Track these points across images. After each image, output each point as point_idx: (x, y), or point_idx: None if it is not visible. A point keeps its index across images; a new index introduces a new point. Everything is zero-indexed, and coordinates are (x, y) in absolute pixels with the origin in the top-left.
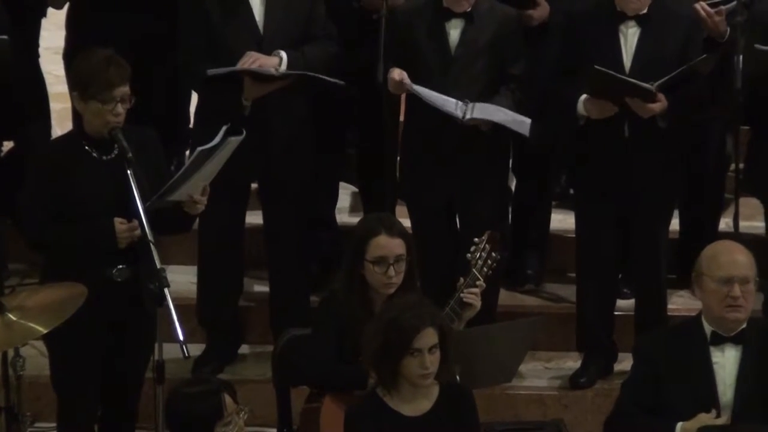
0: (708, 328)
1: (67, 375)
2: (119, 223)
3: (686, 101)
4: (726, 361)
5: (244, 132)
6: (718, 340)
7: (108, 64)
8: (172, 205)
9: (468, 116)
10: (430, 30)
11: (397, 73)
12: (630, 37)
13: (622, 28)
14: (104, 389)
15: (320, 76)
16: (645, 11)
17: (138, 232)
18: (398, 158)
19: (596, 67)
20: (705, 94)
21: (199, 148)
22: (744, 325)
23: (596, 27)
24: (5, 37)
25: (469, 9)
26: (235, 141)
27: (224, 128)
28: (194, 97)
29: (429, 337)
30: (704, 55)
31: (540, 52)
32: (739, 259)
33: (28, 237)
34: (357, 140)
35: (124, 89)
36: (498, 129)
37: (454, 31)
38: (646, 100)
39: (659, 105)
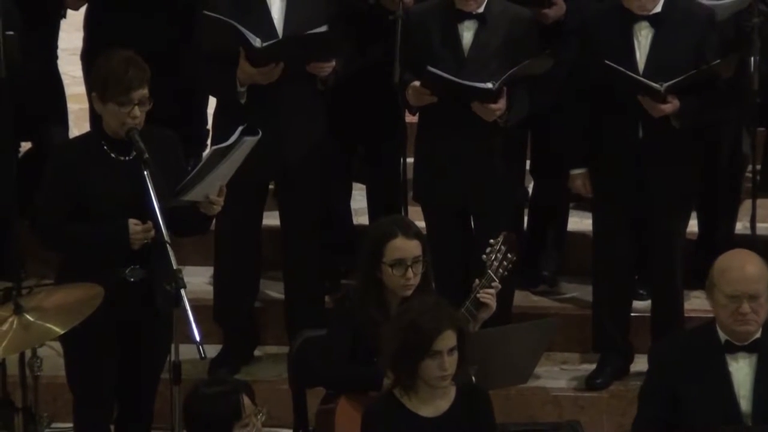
0: (722, 336)
1: (82, 375)
2: (134, 224)
3: (705, 103)
4: (739, 371)
5: (260, 132)
6: (732, 348)
7: (127, 67)
8: (188, 204)
9: (496, 85)
10: (443, 31)
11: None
12: (643, 38)
13: (636, 29)
14: (120, 389)
15: (303, 34)
16: (659, 11)
17: (152, 233)
18: (405, 159)
19: (607, 62)
20: (723, 95)
21: (214, 147)
22: (758, 335)
23: (610, 28)
24: (13, 33)
25: (480, 10)
26: (251, 141)
27: (240, 128)
28: (212, 99)
29: (448, 339)
30: (726, 57)
31: (557, 54)
32: (749, 275)
33: (43, 237)
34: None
35: (143, 92)
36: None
37: (467, 33)
38: (656, 99)
39: (670, 106)
